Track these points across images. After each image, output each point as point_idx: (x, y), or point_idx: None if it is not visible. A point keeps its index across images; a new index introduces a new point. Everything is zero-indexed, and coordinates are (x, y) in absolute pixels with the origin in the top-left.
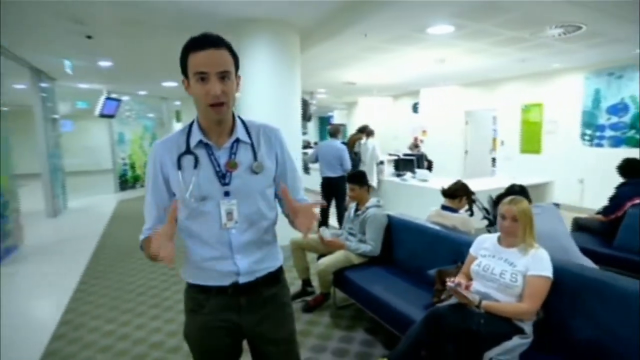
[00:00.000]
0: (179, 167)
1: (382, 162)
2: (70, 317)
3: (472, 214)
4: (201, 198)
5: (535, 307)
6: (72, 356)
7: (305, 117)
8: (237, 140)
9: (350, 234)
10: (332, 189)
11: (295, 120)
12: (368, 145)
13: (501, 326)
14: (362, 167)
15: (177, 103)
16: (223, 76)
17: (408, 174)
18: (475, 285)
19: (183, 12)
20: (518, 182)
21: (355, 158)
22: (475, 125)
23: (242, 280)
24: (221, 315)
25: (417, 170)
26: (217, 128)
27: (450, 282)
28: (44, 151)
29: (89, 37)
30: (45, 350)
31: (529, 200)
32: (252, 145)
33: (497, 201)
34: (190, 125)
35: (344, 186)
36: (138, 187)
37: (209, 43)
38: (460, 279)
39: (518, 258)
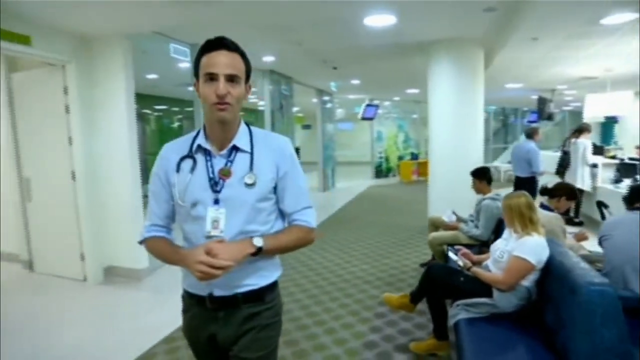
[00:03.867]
0: (178, 169)
1: (595, 165)
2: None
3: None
4: (192, 203)
5: (508, 280)
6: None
7: (543, 115)
8: (235, 148)
9: (471, 220)
10: (520, 188)
11: (477, 132)
12: (578, 145)
13: (475, 287)
14: (570, 168)
15: None
16: (232, 79)
17: (626, 182)
18: (489, 260)
19: (381, 44)
20: None
21: (565, 158)
22: None
23: (217, 293)
24: (201, 323)
25: None
26: (220, 133)
27: (450, 247)
28: (320, 145)
29: (334, 68)
30: None
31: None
32: (251, 154)
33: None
34: (200, 129)
35: (533, 186)
36: (390, 177)
37: (221, 46)
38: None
39: (512, 241)
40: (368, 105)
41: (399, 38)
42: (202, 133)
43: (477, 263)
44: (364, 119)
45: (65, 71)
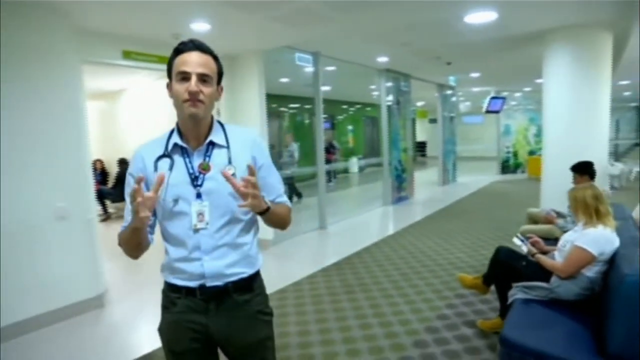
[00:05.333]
0: (155, 169)
1: None
2: (396, 233)
3: None
4: (174, 199)
5: (566, 268)
6: (389, 248)
7: None
8: (212, 144)
9: (569, 215)
10: None
11: (601, 126)
12: None
13: (535, 272)
14: None
15: None
16: (203, 79)
17: None
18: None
19: (489, 37)
20: None
21: None
22: None
23: (209, 283)
24: (190, 316)
25: None
26: (194, 130)
27: (517, 235)
28: (441, 139)
29: (448, 63)
30: (374, 241)
31: None
32: (228, 148)
33: None
34: (172, 130)
35: None
36: (518, 173)
37: (194, 47)
38: None
39: (577, 232)
40: (493, 98)
41: (505, 31)
42: (176, 132)
43: (545, 252)
44: (488, 112)
45: None
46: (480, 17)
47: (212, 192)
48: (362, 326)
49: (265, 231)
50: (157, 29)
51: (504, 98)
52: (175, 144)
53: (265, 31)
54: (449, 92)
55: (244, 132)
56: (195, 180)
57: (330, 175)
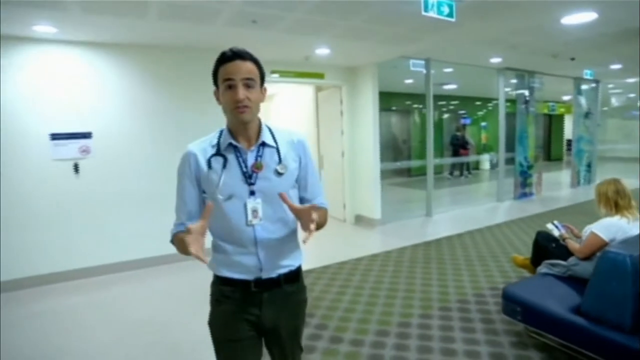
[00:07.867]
0: (209, 167)
1: None
2: (495, 225)
3: None
4: (228, 196)
5: (582, 250)
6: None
7: None
8: (263, 144)
9: None
10: None
11: None
12: None
13: (562, 252)
14: None
15: None
16: (247, 84)
17: None
18: None
19: (606, 32)
20: None
21: None
22: None
23: (264, 275)
24: (245, 307)
25: None
26: (244, 132)
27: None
28: (574, 138)
29: (572, 59)
30: (469, 229)
31: None
32: (277, 149)
33: None
34: (222, 130)
35: None
36: None
37: (236, 56)
38: None
39: (598, 220)
40: None
41: (617, 26)
42: (227, 133)
43: (579, 237)
44: None
45: (341, 90)
46: (578, 18)
47: (265, 190)
48: (424, 284)
49: (373, 211)
50: (292, 54)
51: None
52: (230, 144)
53: (376, 50)
54: (592, 85)
55: (290, 133)
56: (249, 178)
57: (462, 168)
